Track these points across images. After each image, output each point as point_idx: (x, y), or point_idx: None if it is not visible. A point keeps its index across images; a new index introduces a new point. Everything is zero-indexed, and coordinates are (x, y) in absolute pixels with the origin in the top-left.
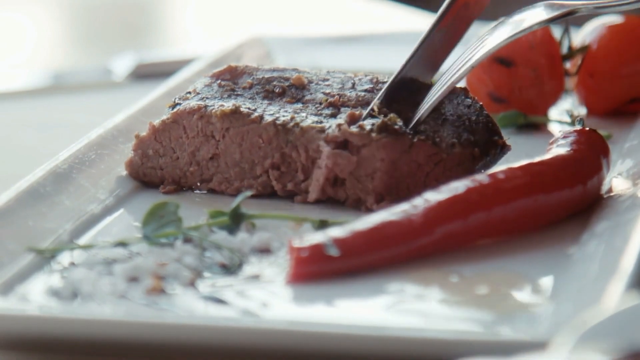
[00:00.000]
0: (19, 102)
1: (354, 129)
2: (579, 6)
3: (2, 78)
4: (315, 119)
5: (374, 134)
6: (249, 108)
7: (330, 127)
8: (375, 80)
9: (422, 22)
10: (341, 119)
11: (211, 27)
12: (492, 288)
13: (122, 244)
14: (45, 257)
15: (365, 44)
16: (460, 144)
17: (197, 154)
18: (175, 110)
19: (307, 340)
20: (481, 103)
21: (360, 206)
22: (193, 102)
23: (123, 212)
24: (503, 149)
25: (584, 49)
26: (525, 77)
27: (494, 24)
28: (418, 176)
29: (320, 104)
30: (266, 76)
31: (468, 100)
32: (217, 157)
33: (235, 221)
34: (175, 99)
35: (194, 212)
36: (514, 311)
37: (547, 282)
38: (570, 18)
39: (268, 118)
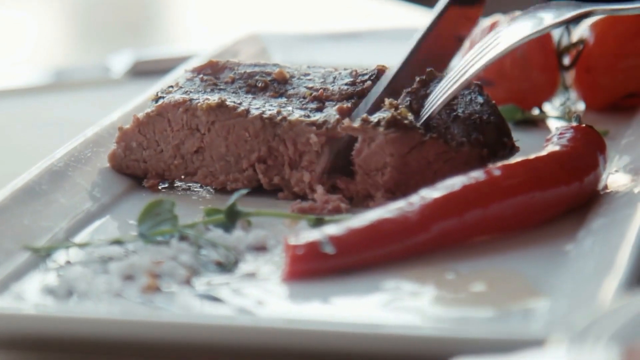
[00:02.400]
0: (17, 99)
1: (357, 123)
2: (596, 7)
3: (2, 75)
4: (302, 112)
5: (381, 128)
6: (234, 102)
7: (325, 121)
8: (354, 73)
9: (419, 18)
10: (331, 113)
11: (209, 24)
12: (489, 285)
13: (118, 242)
14: (41, 256)
15: (363, 41)
16: (470, 143)
17: (182, 147)
18: (159, 103)
19: (303, 338)
20: (494, 102)
21: (369, 202)
22: (177, 95)
23: (119, 210)
24: (512, 150)
25: (579, 43)
26: (513, 61)
27: (508, 18)
28: (427, 173)
29: (304, 98)
30: (248, 71)
31: (481, 98)
32: (202, 151)
33: (231, 219)
34: (157, 92)
35: (189, 210)
36: (511, 308)
37: (543, 279)
38: None
39: (254, 112)
